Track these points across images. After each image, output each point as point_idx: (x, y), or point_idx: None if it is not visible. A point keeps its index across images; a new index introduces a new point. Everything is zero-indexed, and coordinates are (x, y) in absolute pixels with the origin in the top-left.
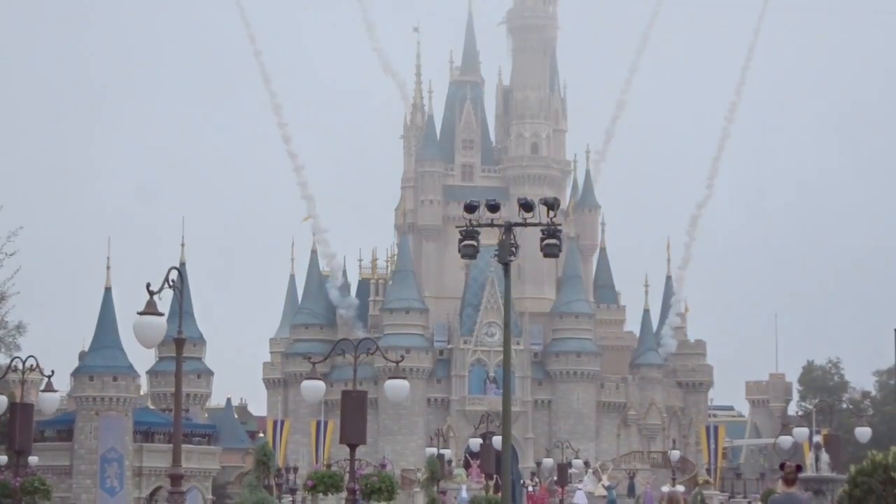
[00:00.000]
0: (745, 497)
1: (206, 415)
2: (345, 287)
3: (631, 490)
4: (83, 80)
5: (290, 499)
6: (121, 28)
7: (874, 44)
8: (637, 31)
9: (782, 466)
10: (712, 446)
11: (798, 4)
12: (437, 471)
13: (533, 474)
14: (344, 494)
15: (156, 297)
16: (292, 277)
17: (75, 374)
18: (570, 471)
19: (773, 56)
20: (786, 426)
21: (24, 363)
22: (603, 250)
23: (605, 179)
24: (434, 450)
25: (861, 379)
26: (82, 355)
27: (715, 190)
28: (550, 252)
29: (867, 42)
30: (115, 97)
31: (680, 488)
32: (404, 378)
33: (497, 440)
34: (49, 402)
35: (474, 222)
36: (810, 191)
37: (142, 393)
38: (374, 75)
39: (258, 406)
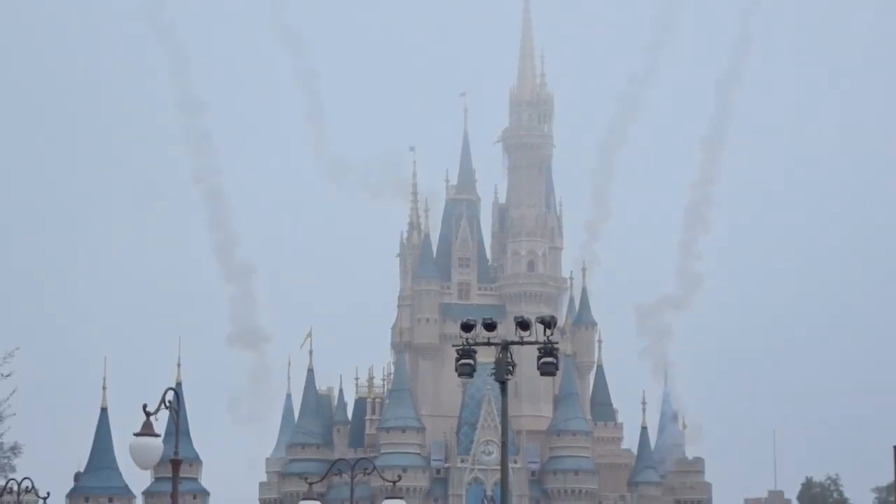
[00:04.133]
0: None
1: None
2: (341, 406)
3: None
4: (74, 200)
5: None
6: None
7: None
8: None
9: None
10: None
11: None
12: None
13: None
14: None
15: (152, 418)
16: (289, 396)
17: (70, 495)
18: None
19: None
20: None
21: (19, 485)
22: (600, 367)
23: (600, 292)
24: None
25: (860, 496)
26: (78, 476)
27: (707, 299)
28: (547, 370)
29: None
30: (104, 216)
31: None
32: (401, 498)
33: None
34: None
35: (471, 341)
36: (809, 303)
37: None
38: (370, 193)
39: None
